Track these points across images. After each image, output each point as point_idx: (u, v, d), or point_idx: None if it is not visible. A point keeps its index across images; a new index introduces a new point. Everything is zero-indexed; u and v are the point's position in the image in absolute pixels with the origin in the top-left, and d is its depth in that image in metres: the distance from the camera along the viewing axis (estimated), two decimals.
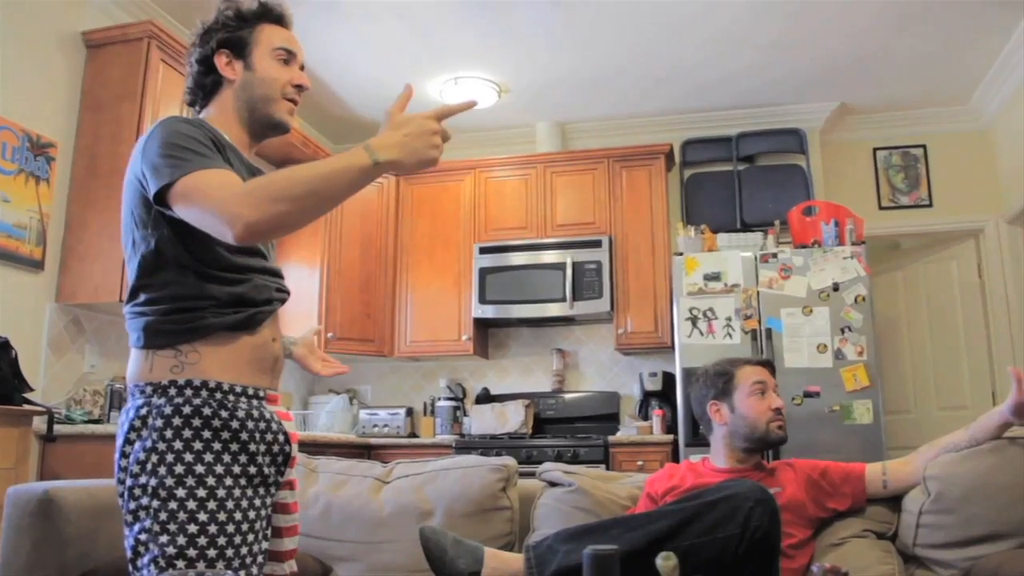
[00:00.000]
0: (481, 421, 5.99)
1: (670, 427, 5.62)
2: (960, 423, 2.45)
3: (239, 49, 2.02)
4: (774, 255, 5.25)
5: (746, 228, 6.06)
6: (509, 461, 2.83)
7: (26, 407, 3.66)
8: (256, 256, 1.94)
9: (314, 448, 4.80)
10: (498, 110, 6.44)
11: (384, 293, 6.38)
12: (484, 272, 6.14)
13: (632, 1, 4.96)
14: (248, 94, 2.01)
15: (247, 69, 2.02)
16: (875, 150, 6.60)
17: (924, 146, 6.52)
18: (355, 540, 2.78)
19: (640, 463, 5.29)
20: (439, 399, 6.27)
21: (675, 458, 5.28)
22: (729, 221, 6.21)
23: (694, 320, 5.27)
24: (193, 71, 2.05)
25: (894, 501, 2.45)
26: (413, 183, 6.53)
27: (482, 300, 6.10)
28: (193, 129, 1.80)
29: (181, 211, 1.69)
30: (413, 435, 6.25)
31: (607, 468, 5.26)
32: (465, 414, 6.21)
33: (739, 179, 6.38)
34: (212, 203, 1.63)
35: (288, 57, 2.06)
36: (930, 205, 6.46)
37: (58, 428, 3.94)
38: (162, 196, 1.70)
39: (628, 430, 5.68)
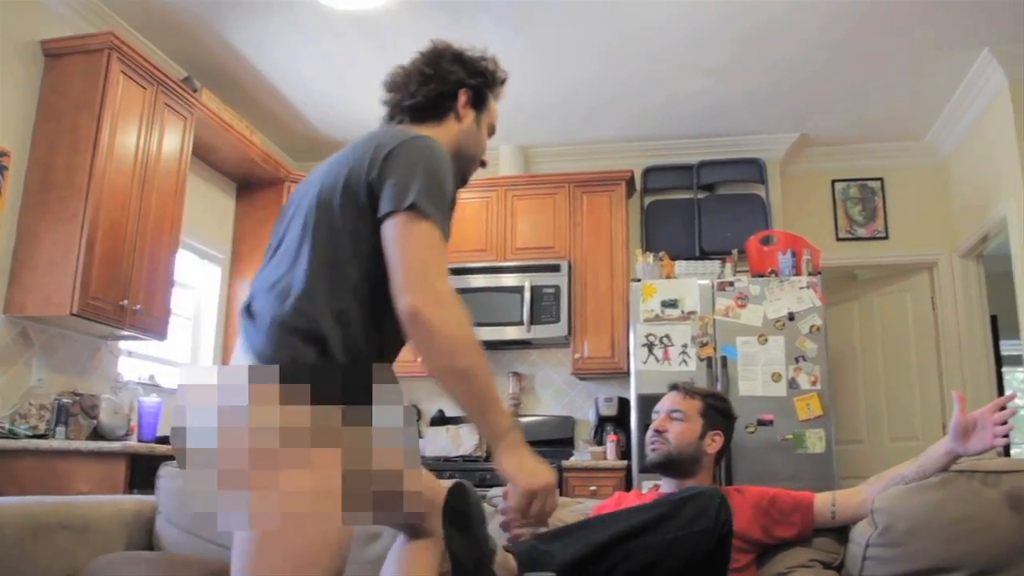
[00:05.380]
0: (436, 443, 5.95)
1: (624, 453, 5.61)
2: (911, 454, 2.45)
3: (478, 102, 2.13)
4: (731, 283, 5.28)
5: (704, 256, 6.09)
6: None
7: None
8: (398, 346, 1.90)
9: None
10: None
11: None
12: None
13: (591, 26, 5.00)
14: (464, 143, 2.08)
15: (475, 123, 2.12)
16: (834, 182, 6.67)
17: (881, 179, 6.61)
18: None
19: (593, 488, 5.28)
20: None
21: (628, 484, 5.27)
22: (688, 249, 6.24)
23: (650, 346, 5.28)
24: (431, 84, 2.06)
25: (841, 531, 2.44)
26: None
27: None
28: (451, 175, 1.82)
29: (390, 233, 1.69)
30: None
31: (560, 493, 5.23)
32: (420, 436, 6.17)
33: (699, 207, 6.42)
34: (415, 265, 1.66)
35: (491, 135, 2.22)
36: (886, 237, 6.54)
37: (0, 443, 3.86)
38: (392, 213, 1.70)
39: (582, 455, 5.66)
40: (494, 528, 2.02)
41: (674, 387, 2.74)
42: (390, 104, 2.10)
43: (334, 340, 1.68)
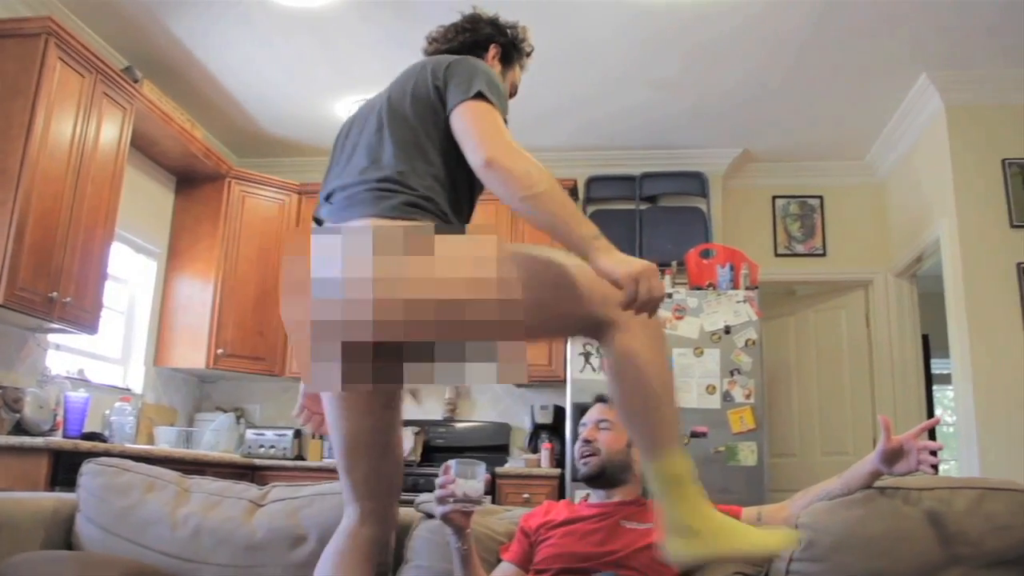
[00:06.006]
0: None
1: (558, 461, 5.62)
2: (842, 468, 2.48)
3: (505, 59, 2.49)
4: (669, 295, 5.30)
5: None
6: None
7: None
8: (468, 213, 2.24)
9: (195, 467, 4.66)
10: None
11: (278, 311, 6.24)
12: None
13: (538, 34, 4.99)
14: None
15: (500, 76, 2.38)
16: (774, 198, 6.75)
17: (821, 197, 6.69)
18: (225, 564, 2.67)
19: (526, 496, 5.27)
20: None
21: (561, 492, 5.27)
22: None
23: (587, 355, 5.29)
24: (468, 33, 2.45)
25: None
26: (314, 201, 6.44)
27: None
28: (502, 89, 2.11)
29: (460, 117, 1.96)
30: (300, 458, 6.11)
31: (493, 500, 5.23)
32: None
33: (640, 218, 6.45)
34: (487, 130, 1.91)
35: (513, 96, 2.50)
36: (824, 254, 6.62)
37: None
38: (460, 102, 1.97)
39: (516, 462, 5.66)
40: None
41: (600, 399, 2.76)
42: (429, 54, 2.44)
43: (422, 199, 1.96)
